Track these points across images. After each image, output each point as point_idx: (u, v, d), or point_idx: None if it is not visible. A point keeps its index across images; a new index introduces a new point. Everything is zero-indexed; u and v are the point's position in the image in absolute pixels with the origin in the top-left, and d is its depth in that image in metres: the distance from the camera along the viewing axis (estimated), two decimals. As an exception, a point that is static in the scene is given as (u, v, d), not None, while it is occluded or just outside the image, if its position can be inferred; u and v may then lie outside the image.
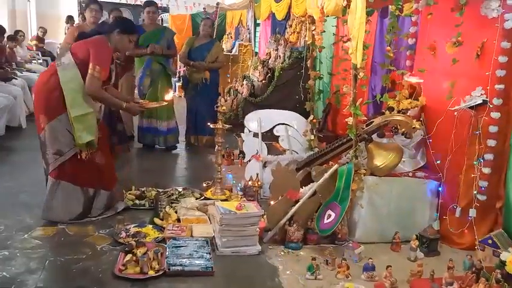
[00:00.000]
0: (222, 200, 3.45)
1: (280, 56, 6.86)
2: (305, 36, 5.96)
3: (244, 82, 7.01)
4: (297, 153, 3.99)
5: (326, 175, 3.06)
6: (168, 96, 4.32)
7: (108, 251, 2.75)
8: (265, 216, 3.05)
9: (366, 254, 2.81)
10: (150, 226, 3.09)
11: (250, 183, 3.64)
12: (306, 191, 3.09)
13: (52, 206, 3.10)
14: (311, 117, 4.19)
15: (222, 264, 2.66)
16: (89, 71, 3.01)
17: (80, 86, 3.03)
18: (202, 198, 3.67)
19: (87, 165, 3.11)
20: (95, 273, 2.50)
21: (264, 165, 3.91)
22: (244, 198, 3.52)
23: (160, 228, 3.06)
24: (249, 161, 4.02)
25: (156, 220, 3.19)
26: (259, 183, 3.63)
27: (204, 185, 3.91)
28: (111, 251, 2.76)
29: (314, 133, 4.15)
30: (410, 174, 3.18)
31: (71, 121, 2.99)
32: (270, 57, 7.26)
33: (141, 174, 4.35)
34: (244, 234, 2.82)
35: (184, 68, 5.78)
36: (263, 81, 6.78)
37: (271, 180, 3.45)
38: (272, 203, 3.16)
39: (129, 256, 2.56)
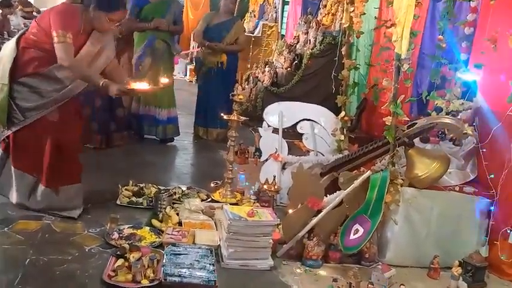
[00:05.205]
0: (231, 204, 3.45)
1: (310, 41, 6.83)
2: (341, 18, 5.91)
3: (267, 69, 7.01)
4: (323, 155, 3.97)
5: (356, 183, 3.04)
6: (165, 79, 3.70)
7: (98, 254, 2.78)
8: (280, 226, 3.04)
9: (397, 279, 2.79)
10: (147, 228, 3.11)
11: (265, 186, 3.62)
12: (331, 200, 3.07)
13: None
14: (342, 113, 4.15)
15: (226, 278, 2.66)
16: (56, 39, 2.90)
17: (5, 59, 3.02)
18: (209, 200, 3.69)
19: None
20: (80, 277, 2.52)
21: (283, 167, 3.90)
22: (258, 204, 3.51)
23: (159, 232, 3.08)
24: (266, 160, 4.01)
25: (154, 222, 3.21)
26: (276, 187, 3.61)
27: (212, 185, 3.92)
28: (100, 253, 2.78)
29: (345, 133, 4.11)
30: (457, 188, 3.16)
31: None
32: (298, 42, 7.23)
33: (140, 168, 4.39)
34: (255, 245, 2.81)
35: (199, 49, 5.79)
36: (288, 69, 6.76)
37: (291, 184, 3.44)
38: (290, 211, 3.15)
39: (120, 261, 2.57)
